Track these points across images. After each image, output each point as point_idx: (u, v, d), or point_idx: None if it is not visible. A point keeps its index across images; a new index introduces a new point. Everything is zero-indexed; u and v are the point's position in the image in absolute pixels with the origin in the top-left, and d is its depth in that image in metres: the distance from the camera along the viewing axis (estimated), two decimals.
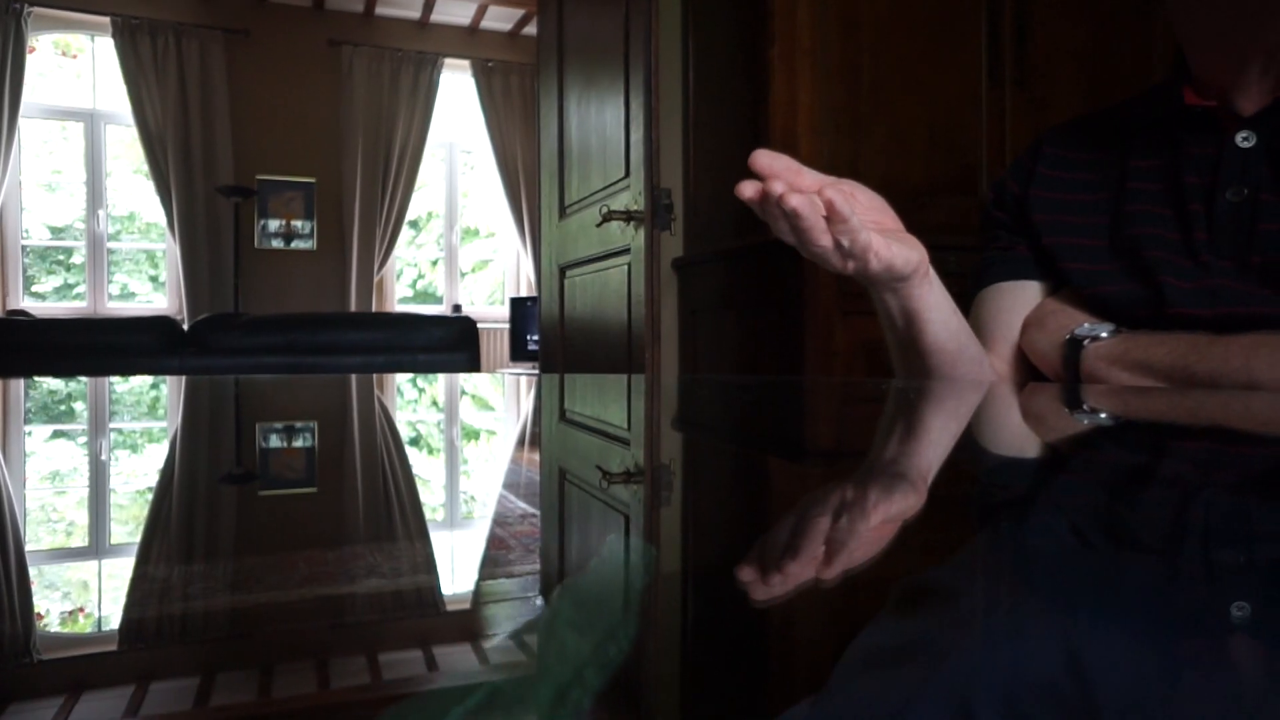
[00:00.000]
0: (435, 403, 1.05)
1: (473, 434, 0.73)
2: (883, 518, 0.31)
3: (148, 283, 6.28)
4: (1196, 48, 0.81)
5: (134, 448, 0.61)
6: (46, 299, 5.88)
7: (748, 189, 0.67)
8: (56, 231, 5.97)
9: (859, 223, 0.67)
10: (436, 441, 0.67)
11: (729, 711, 0.15)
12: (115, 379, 1.53)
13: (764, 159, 0.67)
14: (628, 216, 2.35)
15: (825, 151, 2.13)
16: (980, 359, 0.83)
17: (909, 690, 0.16)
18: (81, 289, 5.97)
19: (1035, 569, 0.25)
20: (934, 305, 0.77)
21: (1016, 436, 0.59)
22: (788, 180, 0.67)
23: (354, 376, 1.75)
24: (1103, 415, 0.66)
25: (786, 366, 2.08)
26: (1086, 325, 0.80)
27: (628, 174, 2.37)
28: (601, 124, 2.56)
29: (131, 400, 1.03)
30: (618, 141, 2.42)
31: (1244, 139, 0.76)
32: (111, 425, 0.78)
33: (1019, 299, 0.88)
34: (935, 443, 0.55)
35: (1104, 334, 0.78)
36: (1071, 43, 2.38)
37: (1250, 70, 0.76)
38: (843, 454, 0.53)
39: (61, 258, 6.04)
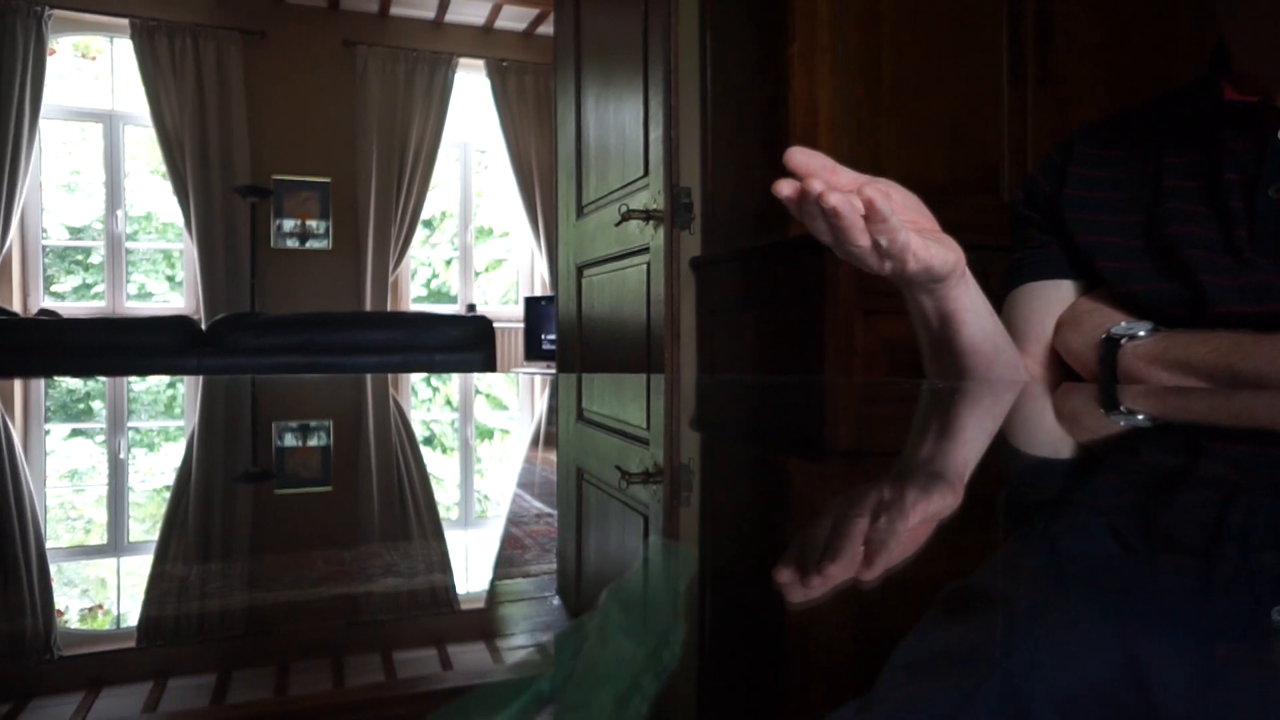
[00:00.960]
0: (450, 402, 1.05)
1: (488, 433, 0.73)
2: (919, 518, 0.31)
3: (164, 282, 6.33)
4: (1243, 42, 0.79)
5: (152, 446, 0.61)
6: (65, 299, 5.93)
7: (785, 187, 0.65)
8: (75, 232, 6.02)
9: (898, 222, 0.65)
10: (452, 442, 0.66)
11: (773, 714, 0.15)
12: (134, 379, 1.53)
13: (799, 156, 0.65)
14: (647, 215, 2.33)
15: (845, 150, 2.11)
16: (1016, 361, 0.81)
17: (955, 697, 0.15)
18: (99, 289, 6.02)
19: (1072, 574, 0.24)
20: (970, 307, 0.75)
21: (1051, 438, 0.58)
22: (824, 178, 0.65)
23: (368, 377, 1.75)
24: (1140, 416, 0.64)
25: (806, 366, 2.06)
26: (1123, 324, 0.78)
27: (646, 173, 2.36)
28: (620, 123, 2.55)
29: (149, 399, 1.03)
30: (636, 140, 2.41)
31: None
32: (132, 424, 0.78)
33: (1052, 299, 0.86)
34: (969, 443, 0.54)
35: (1142, 333, 0.76)
36: (1093, 41, 2.36)
37: None
38: (871, 454, 0.52)
39: (80, 258, 6.09)
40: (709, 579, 0.25)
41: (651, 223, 2.32)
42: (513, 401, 1.07)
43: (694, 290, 2.49)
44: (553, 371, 4.77)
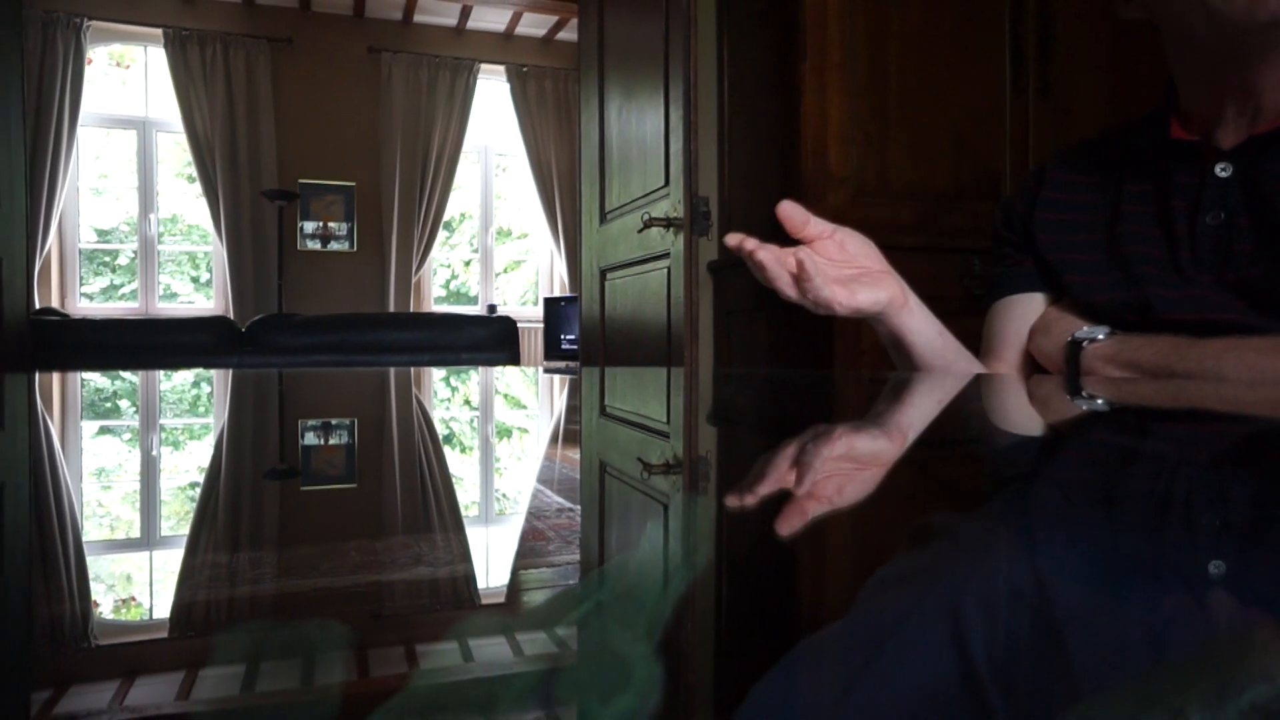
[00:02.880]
0: (468, 402, 1.14)
1: (507, 431, 0.82)
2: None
3: (189, 283, 6.49)
4: (1185, 86, 0.92)
5: (196, 436, 0.70)
6: (94, 299, 6.09)
7: (732, 239, 0.85)
8: (102, 234, 6.18)
9: (821, 283, 0.83)
10: (482, 435, 0.76)
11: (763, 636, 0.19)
12: (184, 373, 1.67)
13: (785, 208, 0.85)
14: (667, 223, 2.47)
15: (854, 160, 2.23)
16: (968, 371, 0.96)
17: (910, 609, 0.19)
18: (126, 290, 6.18)
19: (1032, 521, 0.30)
20: (915, 329, 0.91)
21: (1025, 417, 0.70)
22: (795, 229, 0.85)
23: (411, 370, 1.88)
24: (1098, 401, 0.77)
25: (817, 364, 2.18)
26: (1085, 329, 0.91)
27: (667, 183, 2.49)
28: (642, 134, 2.68)
29: (191, 395, 1.14)
30: (658, 151, 2.54)
31: (1222, 170, 0.87)
32: (182, 418, 0.87)
33: (1027, 309, 1.00)
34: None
35: (1100, 336, 0.89)
36: (1093, 54, 2.46)
37: (1228, 109, 0.87)
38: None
39: (107, 259, 6.25)
40: (723, 526, 0.31)
41: (672, 230, 2.46)
42: (544, 397, 1.18)
43: (711, 292, 2.62)
44: (573, 370, 4.90)
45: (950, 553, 0.25)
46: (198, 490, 0.42)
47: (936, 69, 2.33)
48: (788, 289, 0.85)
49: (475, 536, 0.31)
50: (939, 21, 2.34)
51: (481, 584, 0.24)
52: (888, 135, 2.29)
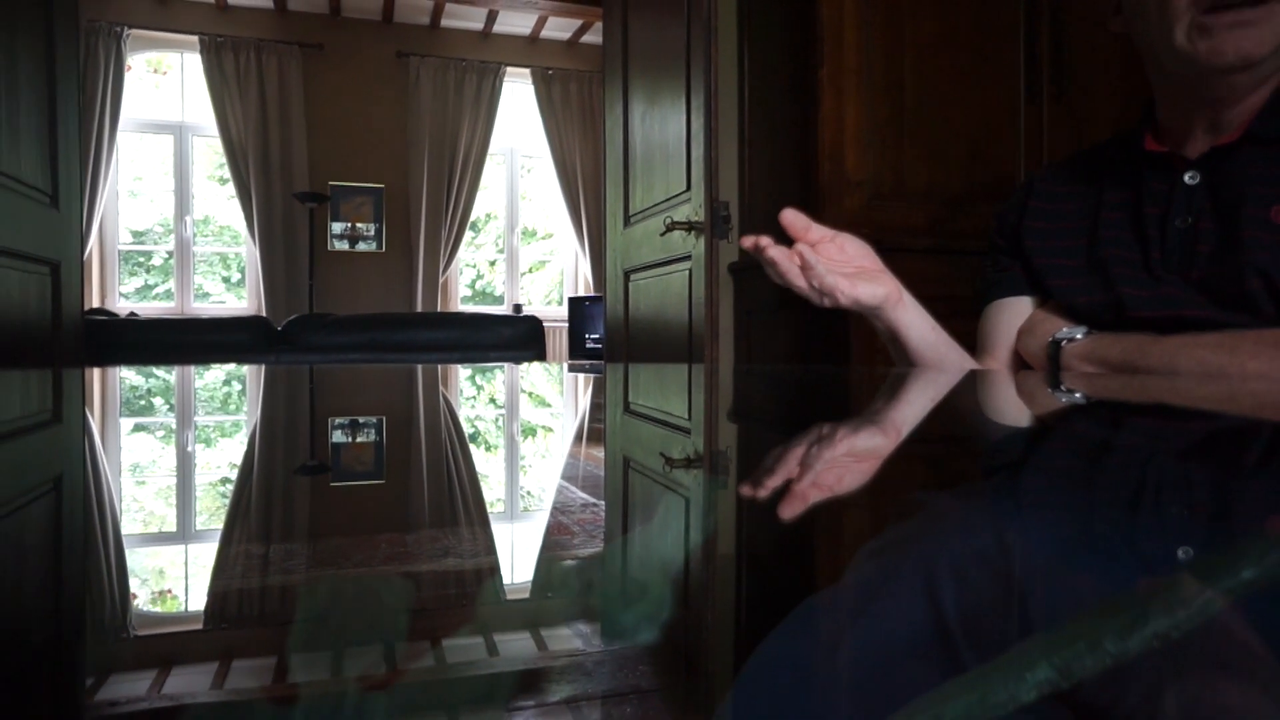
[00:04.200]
0: (494, 400, 1.21)
1: (532, 430, 0.87)
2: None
3: (221, 283, 6.65)
4: (1160, 102, 1.00)
5: (235, 428, 0.79)
6: (129, 299, 6.24)
7: (747, 241, 0.97)
8: (137, 235, 6.34)
9: (824, 270, 0.94)
10: (508, 433, 0.84)
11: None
12: (233, 369, 1.77)
13: (787, 216, 0.98)
14: (689, 226, 2.55)
15: (870, 164, 2.30)
16: (960, 364, 1.04)
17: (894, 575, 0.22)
18: (160, 290, 6.34)
19: (1013, 499, 0.33)
20: (910, 325, 1.01)
21: (1012, 407, 0.78)
22: (797, 234, 0.97)
23: (456, 367, 1.97)
24: (1076, 395, 0.85)
25: (835, 361, 2.26)
26: (1065, 329, 1.00)
27: (689, 187, 2.58)
28: (664, 140, 2.76)
29: (238, 390, 1.22)
30: (679, 157, 2.63)
31: (1190, 178, 0.95)
32: (234, 412, 0.96)
33: (1016, 311, 1.08)
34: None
35: (1079, 335, 0.98)
36: (1106, 56, 2.51)
37: (1197, 123, 0.95)
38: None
39: (142, 260, 6.42)
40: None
41: (693, 233, 2.54)
42: (570, 394, 1.25)
43: (731, 293, 2.70)
44: (600, 366, 4.97)
45: (931, 525, 0.29)
46: (254, 478, 0.45)
47: (951, 75, 2.39)
48: (798, 280, 0.95)
49: (503, 530, 0.32)
50: (954, 28, 2.40)
51: (508, 577, 0.25)
52: (903, 140, 2.35)
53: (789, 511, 0.31)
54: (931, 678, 0.17)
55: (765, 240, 0.95)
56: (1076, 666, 0.16)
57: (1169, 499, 0.34)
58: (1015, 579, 0.23)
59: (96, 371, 1.56)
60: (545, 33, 6.61)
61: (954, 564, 0.24)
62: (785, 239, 0.99)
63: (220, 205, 6.50)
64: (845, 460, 0.45)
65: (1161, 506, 0.33)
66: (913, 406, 0.79)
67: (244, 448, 0.61)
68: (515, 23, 6.45)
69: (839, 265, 0.98)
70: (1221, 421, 0.66)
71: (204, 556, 0.29)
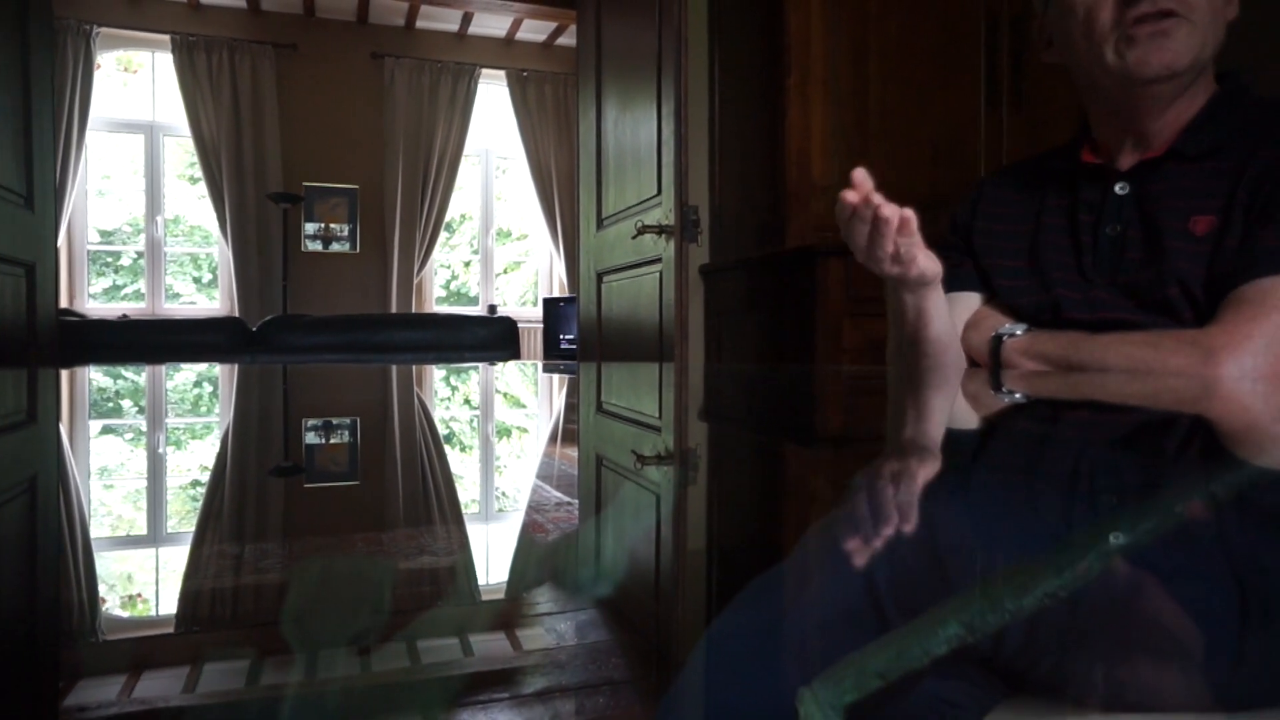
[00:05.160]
0: (469, 401, 1.24)
1: (507, 430, 0.92)
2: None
3: (192, 284, 6.60)
4: (1093, 118, 1.09)
5: (206, 431, 0.83)
6: (98, 300, 6.17)
7: (852, 196, 0.95)
8: (105, 235, 6.28)
9: (916, 239, 0.97)
10: (487, 430, 0.89)
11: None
12: (210, 369, 1.80)
13: (860, 174, 0.96)
14: (660, 230, 2.61)
15: (836, 170, 2.37)
16: (960, 357, 1.11)
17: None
18: (129, 290, 6.28)
19: (962, 492, 0.36)
20: (940, 306, 1.06)
21: (957, 408, 0.84)
22: (865, 193, 0.96)
23: (410, 368, 2.01)
24: (1016, 395, 0.92)
25: (801, 360, 2.33)
26: (1007, 326, 1.07)
27: (659, 191, 2.64)
28: (636, 145, 2.82)
29: (209, 391, 1.26)
30: (650, 163, 2.69)
31: (1120, 188, 1.03)
32: (207, 413, 1.00)
33: (965, 305, 1.15)
34: (904, 408, 0.80)
35: (1018, 332, 1.05)
36: (1063, 68, 2.59)
37: (1126, 138, 1.03)
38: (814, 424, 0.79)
39: (110, 260, 6.36)
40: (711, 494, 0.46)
41: (664, 236, 2.60)
42: (544, 394, 1.29)
43: (701, 295, 2.77)
44: (573, 367, 5.00)
45: (869, 510, 0.32)
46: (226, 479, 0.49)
47: (915, 84, 2.47)
48: (889, 244, 0.96)
49: (478, 530, 0.34)
50: (917, 38, 2.47)
51: (482, 575, 0.26)
52: (869, 146, 2.43)
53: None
54: (861, 639, 0.18)
55: (877, 197, 0.95)
56: (980, 623, 0.19)
57: (1088, 484, 0.38)
58: (938, 556, 0.26)
59: (75, 372, 1.58)
60: (520, 35, 6.64)
61: (887, 544, 0.26)
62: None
63: (191, 205, 6.45)
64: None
65: (1074, 489, 0.37)
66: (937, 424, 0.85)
67: (220, 449, 0.62)
68: (490, 24, 6.47)
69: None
70: (1145, 415, 0.73)
71: (178, 559, 0.28)
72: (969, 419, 0.76)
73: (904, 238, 0.96)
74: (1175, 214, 0.97)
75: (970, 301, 1.15)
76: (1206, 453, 0.50)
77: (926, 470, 0.45)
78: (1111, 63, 0.97)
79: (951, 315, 1.14)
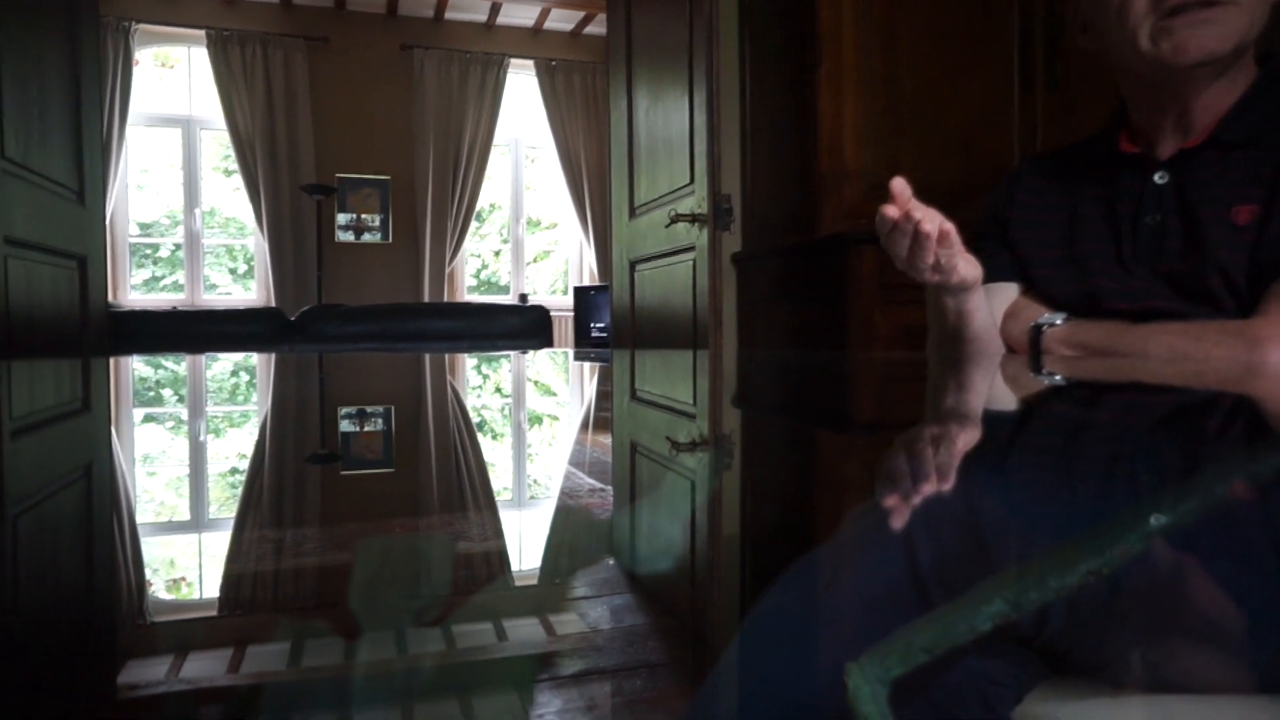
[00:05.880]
0: (499, 389, 1.26)
1: (539, 419, 0.93)
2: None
3: (228, 275, 6.70)
4: (1131, 106, 1.07)
5: (245, 420, 0.84)
6: (138, 291, 6.29)
7: (892, 211, 0.95)
8: (144, 228, 6.39)
9: (957, 249, 0.97)
10: (519, 417, 0.89)
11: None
12: (257, 358, 1.84)
13: (899, 185, 0.95)
14: (693, 219, 2.61)
15: (868, 158, 2.36)
16: (1000, 347, 1.10)
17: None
18: (168, 282, 6.39)
19: (1000, 477, 0.36)
20: (979, 307, 1.06)
21: (997, 390, 0.84)
22: (904, 203, 0.95)
23: (446, 355, 2.04)
24: (1056, 377, 0.91)
25: (833, 348, 2.32)
26: (1046, 315, 1.06)
27: (692, 180, 2.64)
28: (668, 134, 2.82)
29: (235, 381, 1.29)
30: (683, 151, 2.69)
31: (1160, 177, 1.01)
32: (249, 400, 1.02)
33: (1003, 296, 1.14)
34: (949, 391, 0.80)
35: (1058, 321, 1.04)
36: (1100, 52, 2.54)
37: (1165, 126, 1.02)
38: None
39: (149, 252, 6.47)
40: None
41: (697, 225, 2.60)
42: (575, 382, 1.31)
43: (734, 283, 2.77)
44: (605, 355, 5.01)
45: (912, 492, 0.32)
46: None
47: (946, 69, 2.44)
48: (929, 255, 0.96)
49: (511, 516, 0.34)
50: (949, 22, 2.44)
51: (516, 561, 0.26)
52: (900, 132, 2.40)
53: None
54: (905, 619, 0.18)
55: (918, 211, 0.94)
56: (1025, 600, 0.19)
57: (1130, 465, 0.38)
58: (982, 534, 0.26)
59: (128, 361, 1.62)
60: (548, 24, 6.64)
61: (929, 524, 0.26)
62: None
63: (227, 197, 6.55)
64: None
65: (1117, 469, 0.37)
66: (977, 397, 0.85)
67: (259, 437, 0.63)
68: (519, 14, 6.48)
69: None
70: (1187, 395, 0.72)
71: (221, 544, 0.29)
72: (1009, 400, 0.76)
73: (944, 249, 0.96)
74: (1216, 203, 0.95)
75: (1008, 292, 1.14)
76: (1251, 432, 0.50)
77: (968, 442, 0.44)
78: (1146, 50, 0.95)
79: (990, 306, 1.13)
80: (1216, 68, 0.95)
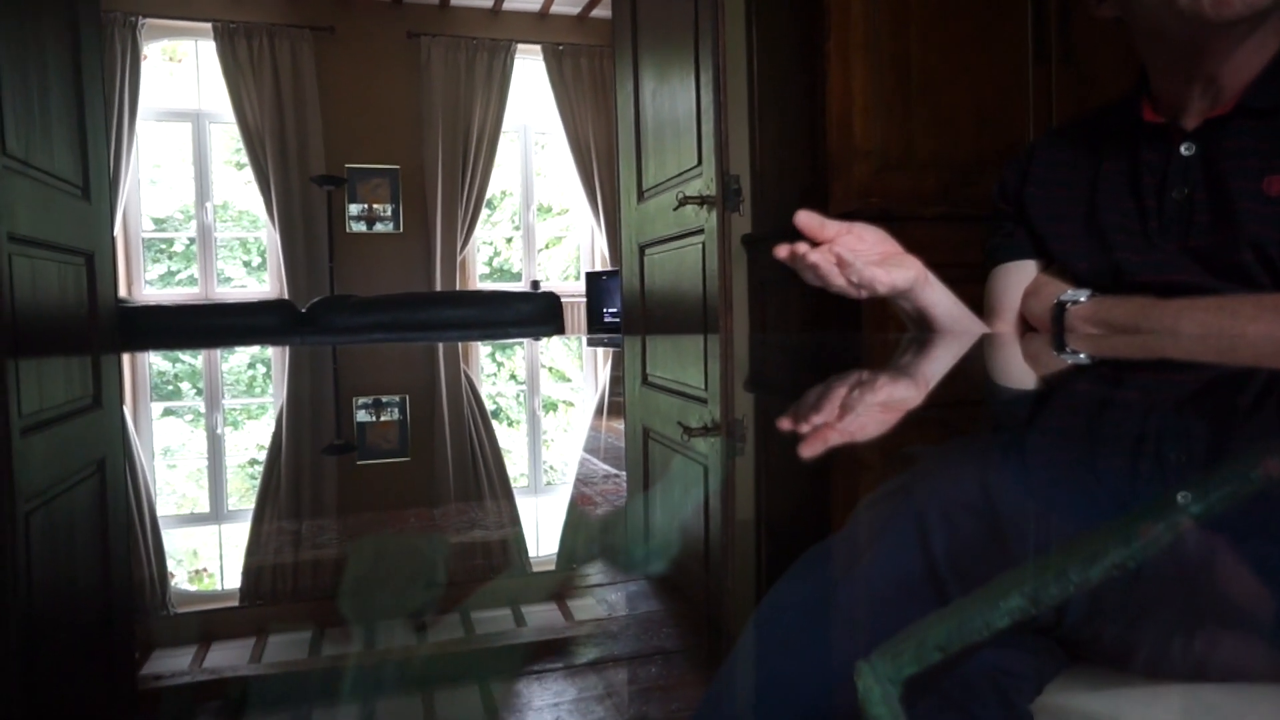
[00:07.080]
0: (514, 376, 1.26)
1: (554, 405, 0.93)
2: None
3: (242, 268, 6.73)
4: (1155, 73, 1.03)
5: (261, 412, 0.85)
6: (153, 286, 6.33)
7: (782, 250, 0.99)
8: (158, 223, 6.42)
9: (862, 265, 0.97)
10: (534, 404, 0.90)
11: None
12: (255, 350, 1.84)
13: (801, 218, 0.99)
14: (701, 200, 2.60)
15: (878, 133, 2.33)
16: (980, 327, 1.09)
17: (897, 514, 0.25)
18: (183, 276, 6.42)
19: (1022, 455, 0.35)
20: (936, 302, 1.04)
21: (1019, 369, 0.83)
22: (814, 233, 0.98)
23: (460, 345, 2.04)
24: (1081, 355, 0.90)
25: (847, 328, 2.30)
26: (1069, 292, 1.04)
27: (700, 162, 2.62)
28: (675, 116, 2.80)
29: (252, 374, 1.30)
30: (690, 133, 2.67)
31: (1186, 149, 0.98)
32: (265, 392, 1.02)
33: (1022, 274, 1.12)
34: (972, 370, 0.79)
35: (1082, 299, 1.02)
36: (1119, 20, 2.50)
37: (1192, 93, 0.98)
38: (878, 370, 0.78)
39: (163, 247, 6.51)
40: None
41: (705, 207, 2.59)
42: (589, 368, 1.31)
43: (745, 264, 2.75)
44: (617, 340, 5.01)
45: (927, 477, 0.31)
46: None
47: (958, 42, 2.41)
48: (837, 279, 0.99)
49: (527, 503, 0.34)
50: None
51: (533, 548, 0.26)
52: (911, 108, 2.38)
53: (809, 452, 0.34)
54: (920, 611, 0.18)
55: (802, 247, 0.98)
56: (1045, 595, 0.18)
57: (1158, 447, 0.37)
58: (999, 523, 0.25)
59: (138, 356, 1.63)
60: (555, 8, 6.60)
61: (945, 511, 0.25)
62: (808, 206, 1.03)
63: (238, 190, 6.56)
64: (869, 412, 0.48)
65: (1143, 452, 0.35)
66: (934, 365, 0.85)
67: (275, 429, 0.63)
68: None
69: (864, 255, 1.01)
70: (1217, 371, 0.71)
71: (240, 536, 0.29)
72: (1030, 380, 0.75)
73: (847, 270, 0.97)
74: (1247, 174, 0.92)
75: (1027, 270, 1.12)
76: None
77: (993, 432, 0.44)
78: (1185, 6, 0.89)
79: (1009, 286, 1.12)
80: (1253, 24, 0.91)
